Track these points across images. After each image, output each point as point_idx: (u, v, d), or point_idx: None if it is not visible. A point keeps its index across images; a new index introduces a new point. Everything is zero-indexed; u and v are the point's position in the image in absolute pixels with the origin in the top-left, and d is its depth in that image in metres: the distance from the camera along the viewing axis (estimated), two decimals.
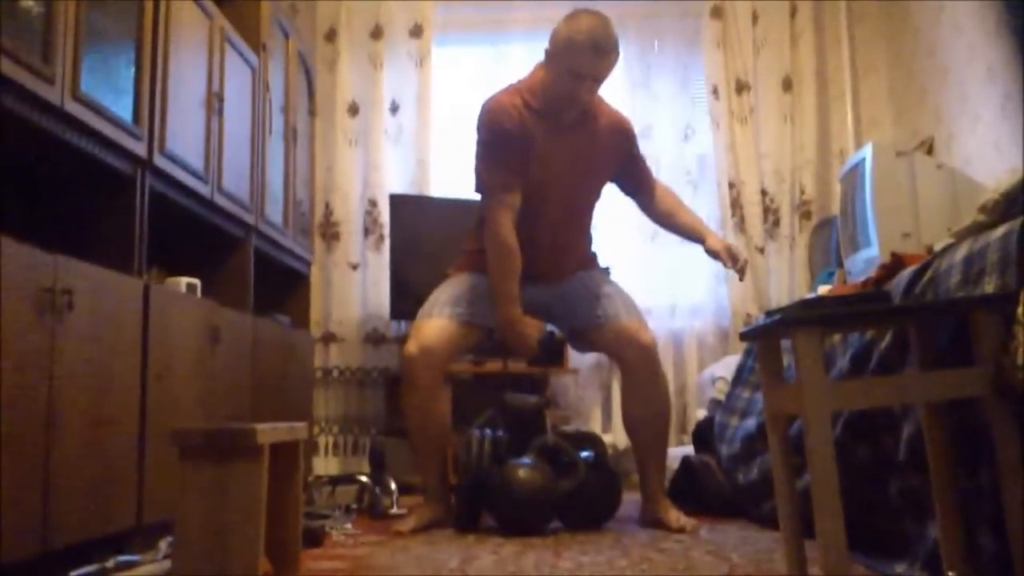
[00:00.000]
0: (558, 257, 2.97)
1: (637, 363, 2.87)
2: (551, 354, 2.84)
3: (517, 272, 2.81)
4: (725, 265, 2.92)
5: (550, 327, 2.99)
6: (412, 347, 2.84)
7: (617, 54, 2.77)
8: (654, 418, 2.91)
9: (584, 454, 2.88)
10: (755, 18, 4.73)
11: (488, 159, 2.83)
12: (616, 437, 4.36)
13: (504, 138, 2.80)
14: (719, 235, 3.10)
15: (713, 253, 2.95)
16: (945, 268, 1.82)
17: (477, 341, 2.98)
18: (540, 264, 2.91)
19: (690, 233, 3.09)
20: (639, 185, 3.13)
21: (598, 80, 2.80)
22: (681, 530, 2.69)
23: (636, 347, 2.86)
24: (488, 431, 2.94)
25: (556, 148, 2.85)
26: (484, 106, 2.86)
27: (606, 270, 3.15)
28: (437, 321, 2.87)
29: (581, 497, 2.79)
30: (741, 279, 2.98)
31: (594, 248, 3.15)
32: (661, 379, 2.92)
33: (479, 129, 2.86)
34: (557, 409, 4.32)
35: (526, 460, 2.77)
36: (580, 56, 2.71)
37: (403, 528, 2.77)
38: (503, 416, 2.97)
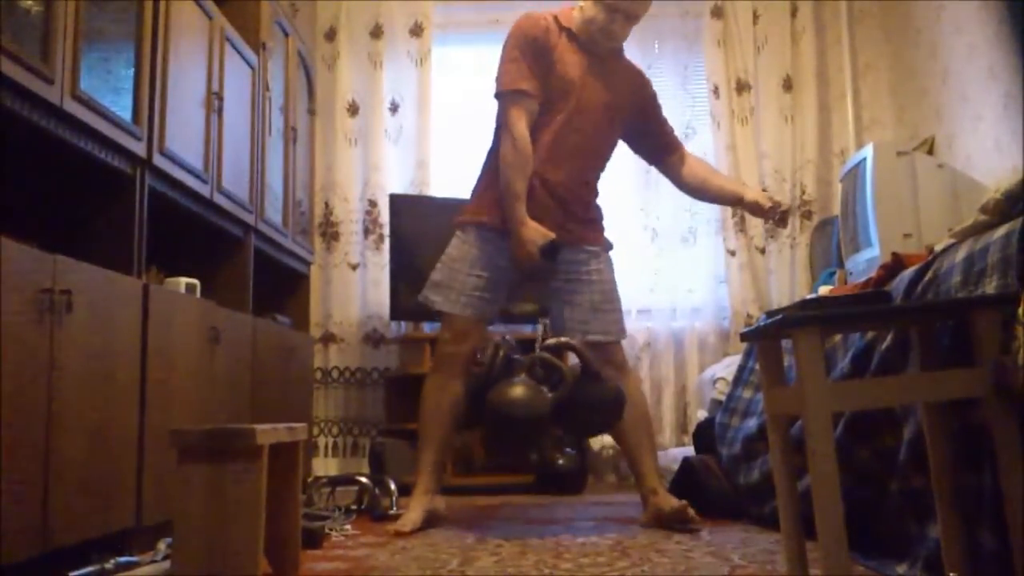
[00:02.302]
0: (571, 196, 2.96)
1: (603, 366, 2.89)
2: (550, 261, 2.83)
3: (528, 171, 2.85)
4: (767, 214, 3.02)
5: (556, 242, 2.96)
6: (447, 335, 2.95)
7: None
8: (635, 416, 2.93)
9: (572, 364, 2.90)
10: (756, 18, 4.73)
11: (510, 61, 2.92)
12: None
13: (528, 41, 2.90)
14: (757, 190, 3.15)
15: (753, 205, 3.02)
16: (946, 268, 1.81)
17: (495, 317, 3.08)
18: (552, 216, 2.90)
19: (727, 195, 3.17)
20: (663, 150, 3.17)
21: (631, 17, 2.93)
22: (679, 513, 2.71)
23: (600, 350, 2.90)
24: (506, 338, 2.95)
25: (576, 67, 2.93)
26: (516, 20, 2.98)
27: (608, 245, 3.10)
28: (463, 319, 2.92)
29: (574, 406, 2.79)
30: (783, 225, 3.02)
31: (601, 210, 3.13)
32: (632, 377, 3.02)
33: (507, 37, 2.96)
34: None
35: (514, 379, 2.77)
36: None
37: (401, 528, 2.77)
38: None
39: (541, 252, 2.77)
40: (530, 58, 2.89)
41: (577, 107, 2.93)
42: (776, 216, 2.99)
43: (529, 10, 2.99)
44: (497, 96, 2.94)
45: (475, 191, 3.05)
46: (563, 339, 2.95)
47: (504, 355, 2.84)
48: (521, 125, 2.86)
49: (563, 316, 2.98)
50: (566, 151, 2.93)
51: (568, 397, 2.77)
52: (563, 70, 2.91)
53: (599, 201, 3.11)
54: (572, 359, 3.17)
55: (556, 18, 2.97)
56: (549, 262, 2.81)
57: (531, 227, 2.81)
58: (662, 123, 3.17)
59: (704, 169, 3.21)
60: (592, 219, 3.06)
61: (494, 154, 2.97)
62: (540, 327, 3.03)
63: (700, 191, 3.18)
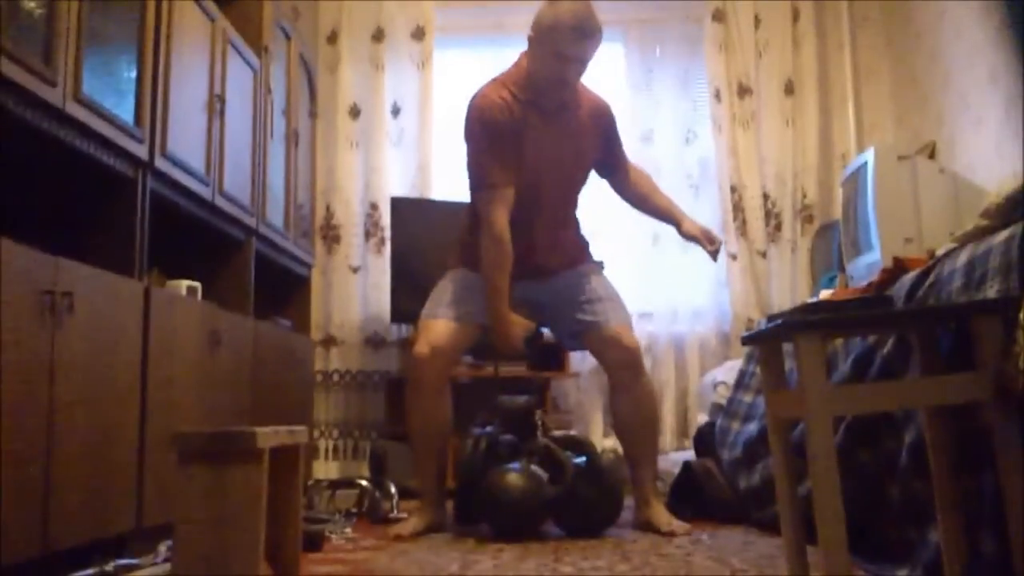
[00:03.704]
0: (551, 247, 2.97)
1: (620, 366, 2.90)
2: (537, 353, 2.83)
3: (508, 267, 2.81)
4: (703, 247, 2.96)
5: (540, 328, 2.98)
6: (423, 347, 2.86)
7: (600, 36, 2.79)
8: (641, 421, 2.93)
9: (577, 460, 2.87)
10: (757, 21, 4.73)
11: (481, 153, 2.84)
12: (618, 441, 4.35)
13: (495, 130, 2.81)
14: (695, 221, 3.10)
15: (689, 236, 2.99)
16: (947, 273, 1.81)
17: (480, 339, 3.00)
18: (534, 257, 2.91)
19: (665, 216, 3.13)
20: (615, 167, 3.14)
21: (583, 62, 2.81)
22: (672, 534, 2.70)
23: (619, 350, 2.89)
24: (488, 429, 2.94)
25: (544, 136, 2.87)
26: (471, 102, 2.88)
27: (599, 264, 3.13)
28: (445, 322, 2.89)
29: (573, 502, 2.78)
30: (714, 260, 3.01)
31: (585, 238, 3.14)
32: (646, 382, 2.96)
33: (469, 125, 2.87)
34: (557, 412, 4.32)
35: (515, 465, 2.77)
36: (564, 38, 2.73)
37: (401, 532, 2.77)
38: (498, 416, 2.98)
39: (525, 343, 2.80)
40: (498, 146, 2.81)
41: (553, 181, 2.91)
42: (712, 249, 2.95)
43: (480, 93, 2.87)
44: (471, 190, 2.90)
45: (459, 240, 3.04)
46: (571, 432, 2.96)
47: (487, 446, 2.85)
48: (499, 219, 2.78)
49: (568, 334, 2.98)
50: (547, 222, 2.94)
51: (568, 492, 2.77)
52: (534, 149, 2.84)
53: (582, 229, 3.14)
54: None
55: (509, 90, 2.84)
56: (533, 349, 2.83)
57: (513, 321, 2.81)
58: (619, 147, 3.13)
59: (647, 185, 3.18)
60: (572, 250, 3.05)
61: (472, 220, 2.95)
62: (538, 415, 3.01)
63: (640, 204, 3.18)
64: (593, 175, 3.12)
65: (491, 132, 2.81)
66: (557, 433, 3.01)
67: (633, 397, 2.91)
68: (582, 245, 3.11)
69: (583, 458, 2.88)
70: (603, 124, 3.04)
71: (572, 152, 2.93)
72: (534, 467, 2.79)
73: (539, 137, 2.85)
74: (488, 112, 2.82)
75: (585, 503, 2.79)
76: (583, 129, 2.96)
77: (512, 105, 2.83)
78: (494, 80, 2.91)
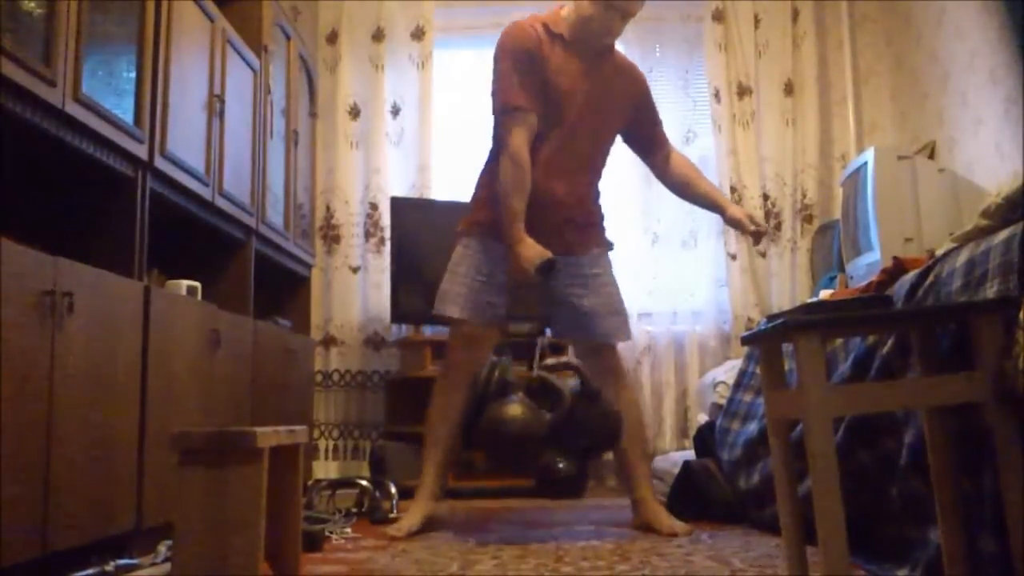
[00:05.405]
0: (566, 197, 2.92)
1: (602, 369, 2.93)
2: (547, 279, 2.81)
3: (526, 190, 2.79)
4: (746, 232, 2.94)
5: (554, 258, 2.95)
6: (456, 342, 2.95)
7: None
8: (629, 423, 2.92)
9: (572, 384, 2.88)
10: (757, 21, 4.73)
11: (504, 76, 2.86)
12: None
13: (521, 54, 2.84)
14: (740, 207, 3.08)
15: (734, 222, 2.96)
16: (947, 273, 1.81)
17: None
18: (552, 227, 2.87)
19: (709, 203, 3.10)
20: (652, 145, 3.13)
21: (627, 15, 2.85)
22: (673, 534, 2.70)
23: (601, 358, 2.94)
24: (503, 359, 2.94)
25: (571, 76, 2.88)
26: (503, 31, 2.91)
27: (609, 245, 3.10)
28: (476, 321, 2.90)
29: (572, 426, 2.78)
30: (756, 243, 2.99)
31: (602, 211, 3.11)
32: (627, 385, 3.01)
33: (496, 50, 2.90)
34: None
35: (512, 397, 2.78)
36: None
37: (396, 534, 2.76)
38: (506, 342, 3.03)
39: (538, 270, 2.76)
40: (524, 72, 2.82)
41: (575, 119, 2.88)
42: (757, 231, 2.92)
43: (515, 19, 2.92)
44: (495, 114, 2.90)
45: (473, 198, 3.03)
46: (563, 359, 2.95)
47: (499, 375, 2.85)
48: (519, 143, 2.80)
49: (567, 319, 2.97)
50: (565, 164, 2.90)
51: (566, 418, 2.77)
52: (559, 82, 2.85)
53: (601, 200, 3.09)
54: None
55: (545, 25, 2.89)
56: (546, 280, 2.80)
57: (528, 245, 2.77)
58: (655, 119, 3.12)
59: (691, 171, 3.14)
60: (592, 223, 3.03)
61: (492, 165, 2.94)
62: (538, 346, 3.01)
63: (683, 191, 3.14)
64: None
65: (516, 55, 2.84)
66: (550, 361, 3.00)
67: (618, 402, 2.91)
68: (598, 219, 3.07)
69: (577, 382, 2.89)
70: (636, 90, 3.05)
71: (597, 102, 2.93)
72: (529, 399, 2.80)
73: (565, 74, 2.87)
74: (516, 38, 2.86)
75: (584, 426, 2.80)
76: (614, 87, 2.97)
77: (541, 36, 2.87)
78: (531, 15, 2.95)
